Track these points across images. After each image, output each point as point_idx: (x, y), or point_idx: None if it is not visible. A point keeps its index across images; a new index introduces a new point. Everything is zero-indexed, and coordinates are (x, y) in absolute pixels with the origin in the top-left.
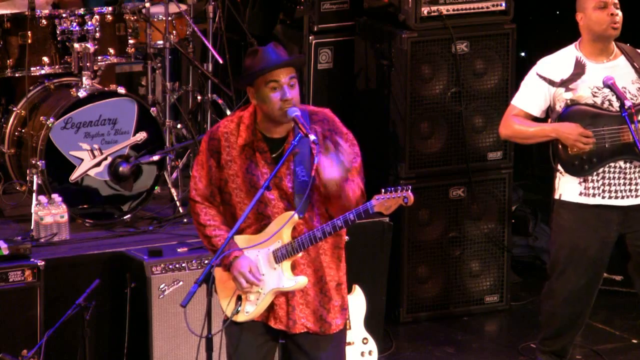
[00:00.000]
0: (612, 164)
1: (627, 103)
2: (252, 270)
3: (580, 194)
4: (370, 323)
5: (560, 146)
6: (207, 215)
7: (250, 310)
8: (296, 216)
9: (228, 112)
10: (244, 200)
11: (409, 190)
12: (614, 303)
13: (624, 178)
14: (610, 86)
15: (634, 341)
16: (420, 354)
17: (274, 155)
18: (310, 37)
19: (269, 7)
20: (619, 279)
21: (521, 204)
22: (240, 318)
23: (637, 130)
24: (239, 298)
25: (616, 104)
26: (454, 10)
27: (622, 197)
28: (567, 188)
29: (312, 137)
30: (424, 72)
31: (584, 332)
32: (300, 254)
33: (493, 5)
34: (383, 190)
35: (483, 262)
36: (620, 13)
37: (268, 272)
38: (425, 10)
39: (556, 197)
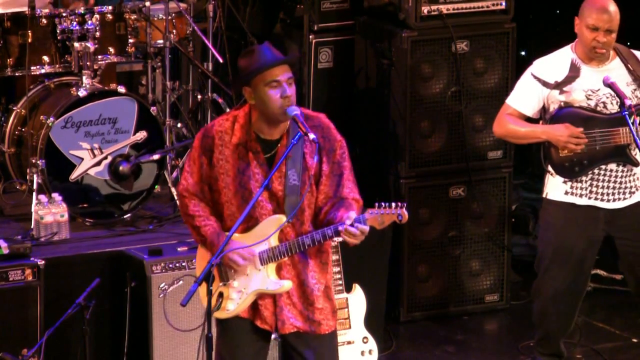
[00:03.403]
0: (603, 167)
1: (627, 102)
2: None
3: (567, 193)
4: (371, 322)
5: (551, 148)
6: (195, 207)
7: (232, 308)
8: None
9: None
10: (232, 200)
11: (404, 208)
12: (614, 302)
13: (614, 181)
14: (610, 85)
15: (634, 340)
16: (421, 353)
17: (266, 156)
18: (310, 36)
19: (269, 6)
20: (618, 278)
21: (521, 203)
22: (222, 315)
23: (637, 130)
24: (221, 295)
25: (610, 107)
26: (454, 9)
27: (609, 200)
28: (554, 187)
29: (311, 135)
30: (424, 71)
31: (584, 331)
32: (286, 258)
33: (493, 5)
34: (377, 205)
35: (483, 261)
36: (610, 38)
37: (252, 272)
38: (425, 9)
39: (543, 195)
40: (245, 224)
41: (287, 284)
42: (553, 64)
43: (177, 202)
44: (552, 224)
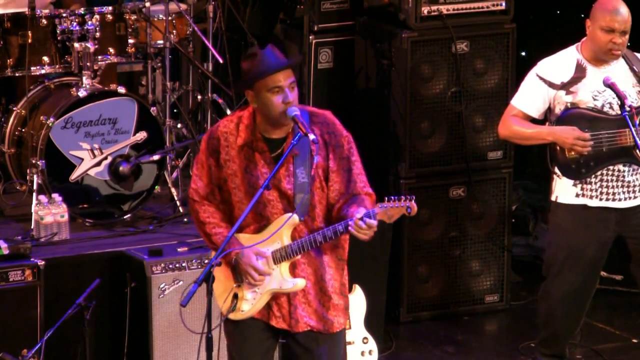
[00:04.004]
0: (611, 167)
1: (628, 102)
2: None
3: (577, 195)
4: (371, 322)
5: (557, 149)
6: (205, 213)
7: (247, 308)
8: (296, 218)
9: (228, 112)
10: (243, 200)
11: (413, 200)
12: (614, 302)
13: (622, 181)
14: (610, 86)
15: (634, 341)
16: (421, 354)
17: (273, 155)
18: (310, 37)
19: (269, 6)
20: (619, 278)
21: (521, 204)
22: (237, 316)
23: (638, 131)
24: (235, 296)
25: (616, 108)
26: (454, 9)
27: (620, 200)
28: (564, 190)
29: (311, 136)
30: (424, 72)
31: (584, 331)
32: (299, 256)
33: (493, 5)
34: (386, 199)
35: (483, 261)
36: (624, 39)
37: None
38: (425, 10)
39: (552, 199)
40: (257, 224)
41: (301, 282)
42: (558, 64)
43: (188, 206)
44: (563, 227)
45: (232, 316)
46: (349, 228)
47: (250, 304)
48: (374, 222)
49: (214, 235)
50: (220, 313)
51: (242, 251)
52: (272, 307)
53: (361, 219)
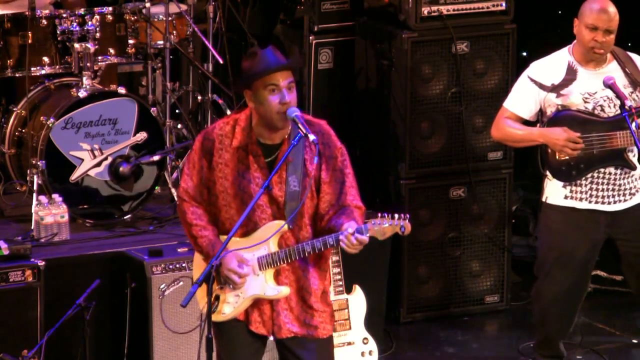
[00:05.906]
0: (602, 170)
1: (628, 103)
2: (241, 265)
3: (566, 197)
4: (371, 323)
5: (548, 151)
6: (193, 215)
7: (228, 311)
8: (286, 227)
9: (228, 112)
10: (231, 203)
11: (407, 220)
12: (614, 303)
13: (613, 184)
14: (611, 86)
15: (634, 341)
16: (421, 354)
17: (267, 160)
18: (310, 37)
19: (269, 7)
20: (619, 278)
21: (521, 204)
22: (218, 318)
23: (637, 131)
24: (217, 298)
25: (608, 110)
26: (454, 10)
27: (610, 203)
28: (553, 191)
29: (311, 137)
30: (424, 72)
31: (584, 332)
32: (285, 264)
33: (493, 5)
34: (380, 215)
35: (483, 262)
36: (608, 38)
37: (250, 277)
38: (425, 10)
39: (543, 199)
40: (245, 228)
41: (285, 290)
42: (549, 66)
43: (177, 204)
44: (553, 228)
45: (213, 317)
46: (340, 243)
47: (232, 307)
48: (365, 239)
49: (199, 238)
50: (201, 314)
51: (225, 254)
52: (251, 313)
53: (353, 234)
